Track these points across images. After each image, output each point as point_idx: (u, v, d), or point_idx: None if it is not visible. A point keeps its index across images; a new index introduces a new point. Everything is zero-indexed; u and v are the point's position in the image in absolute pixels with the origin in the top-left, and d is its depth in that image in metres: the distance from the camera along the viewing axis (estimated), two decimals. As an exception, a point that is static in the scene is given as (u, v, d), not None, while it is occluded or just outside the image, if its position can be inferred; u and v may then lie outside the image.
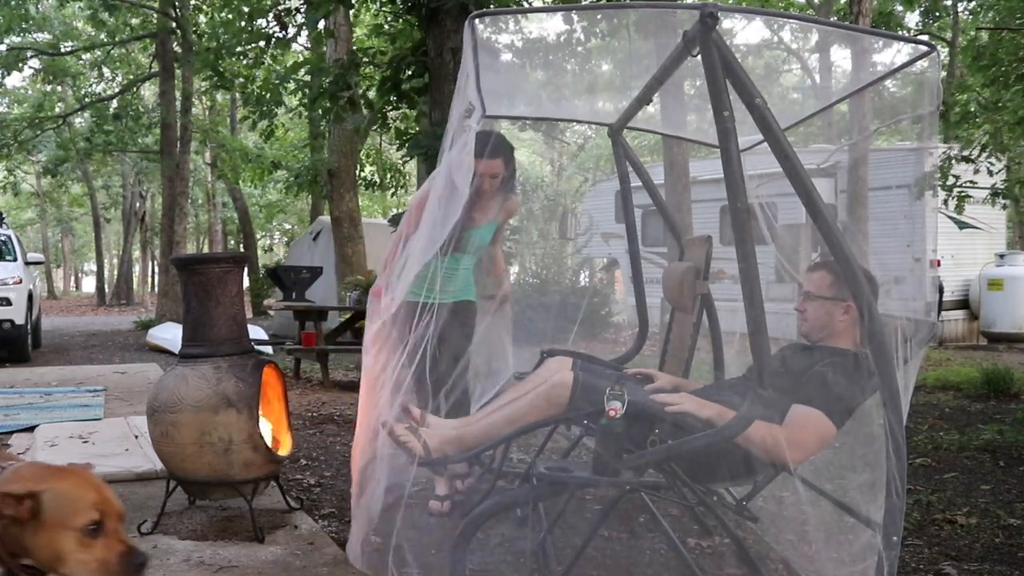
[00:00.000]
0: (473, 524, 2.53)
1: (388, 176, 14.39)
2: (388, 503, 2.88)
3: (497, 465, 2.67)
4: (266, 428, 3.38)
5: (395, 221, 6.41)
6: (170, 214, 14.85)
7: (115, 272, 33.09)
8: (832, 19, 11.28)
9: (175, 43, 15.10)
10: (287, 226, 33.25)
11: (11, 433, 5.23)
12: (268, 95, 9.39)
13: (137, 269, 34.75)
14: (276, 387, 3.53)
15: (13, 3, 14.35)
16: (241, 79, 11.58)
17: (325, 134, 12.28)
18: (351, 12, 10.80)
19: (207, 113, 22.05)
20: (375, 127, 9.19)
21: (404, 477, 2.83)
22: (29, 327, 10.12)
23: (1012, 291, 11.98)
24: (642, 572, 3.02)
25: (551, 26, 10.73)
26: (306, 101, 9.45)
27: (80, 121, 20.37)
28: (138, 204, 27.89)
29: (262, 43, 9.69)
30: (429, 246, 2.94)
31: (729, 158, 2.35)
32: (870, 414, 2.60)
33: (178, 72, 15.29)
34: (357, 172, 13.00)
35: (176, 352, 3.96)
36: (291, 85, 9.72)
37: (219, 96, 18.56)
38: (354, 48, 10.84)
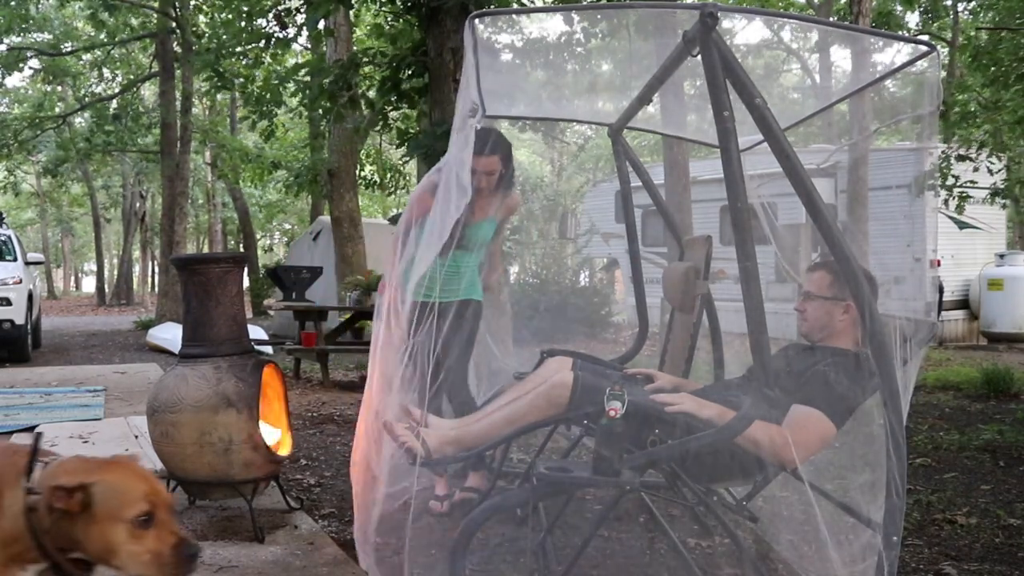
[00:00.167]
0: (473, 524, 2.53)
1: (388, 176, 14.38)
2: (393, 506, 2.88)
3: (497, 465, 2.67)
4: (266, 428, 3.38)
5: (395, 221, 6.40)
6: (170, 214, 14.86)
7: (115, 272, 33.08)
8: (832, 19, 11.27)
9: (175, 43, 15.10)
10: (287, 226, 33.26)
11: (11, 433, 5.23)
12: (268, 95, 9.38)
13: (137, 269, 34.75)
14: (276, 387, 3.54)
15: (13, 3, 14.34)
16: (241, 79, 11.58)
17: (325, 134, 12.27)
18: (351, 12, 10.79)
19: (207, 113, 22.05)
20: (375, 127, 9.17)
21: (407, 478, 2.83)
22: (29, 327, 10.12)
23: (1012, 291, 11.98)
24: (642, 572, 3.02)
25: (551, 26, 10.74)
26: (306, 101, 9.44)
27: (80, 121, 20.37)
28: (138, 204, 27.87)
29: (262, 43, 9.67)
30: (439, 244, 2.92)
31: (729, 158, 2.35)
32: (870, 414, 2.60)
33: (178, 72, 15.28)
34: (357, 172, 13.00)
35: (176, 352, 3.96)
36: (291, 86, 9.71)
37: (219, 96, 18.55)
38: (354, 48, 10.83)
